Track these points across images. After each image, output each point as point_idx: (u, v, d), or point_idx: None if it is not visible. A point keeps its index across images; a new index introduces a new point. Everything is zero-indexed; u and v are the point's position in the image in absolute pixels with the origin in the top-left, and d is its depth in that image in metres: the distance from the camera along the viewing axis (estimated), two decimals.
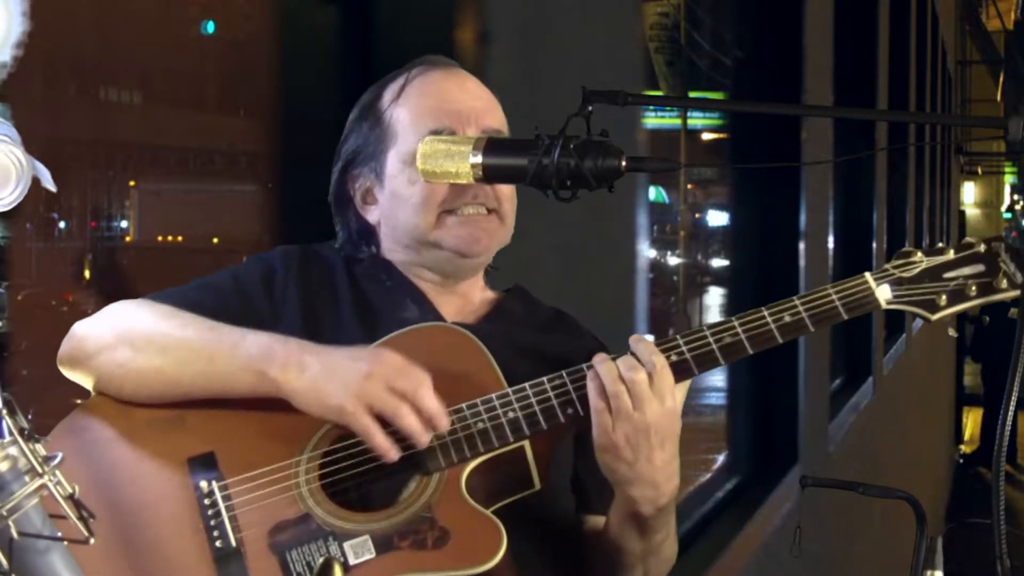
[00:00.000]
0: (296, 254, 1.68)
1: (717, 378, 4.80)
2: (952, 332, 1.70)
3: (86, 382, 1.55)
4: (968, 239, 1.57)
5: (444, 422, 1.44)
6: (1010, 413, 1.40)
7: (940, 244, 1.56)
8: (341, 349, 1.46)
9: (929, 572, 2.40)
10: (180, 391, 1.49)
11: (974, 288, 1.54)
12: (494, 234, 1.67)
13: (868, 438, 6.78)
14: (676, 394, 1.50)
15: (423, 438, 1.43)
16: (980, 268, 1.54)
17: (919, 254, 1.56)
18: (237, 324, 1.52)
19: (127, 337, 1.52)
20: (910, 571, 2.43)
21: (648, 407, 1.46)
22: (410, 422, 1.42)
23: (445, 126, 1.63)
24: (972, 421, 15.24)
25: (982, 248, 1.55)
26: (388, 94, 1.70)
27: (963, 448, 14.41)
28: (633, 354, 1.49)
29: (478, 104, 1.68)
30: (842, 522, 5.53)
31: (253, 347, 1.46)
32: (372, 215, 1.71)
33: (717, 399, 4.93)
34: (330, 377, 1.43)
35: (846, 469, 5.56)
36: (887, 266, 1.56)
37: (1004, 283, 1.53)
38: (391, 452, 1.43)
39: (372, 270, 1.68)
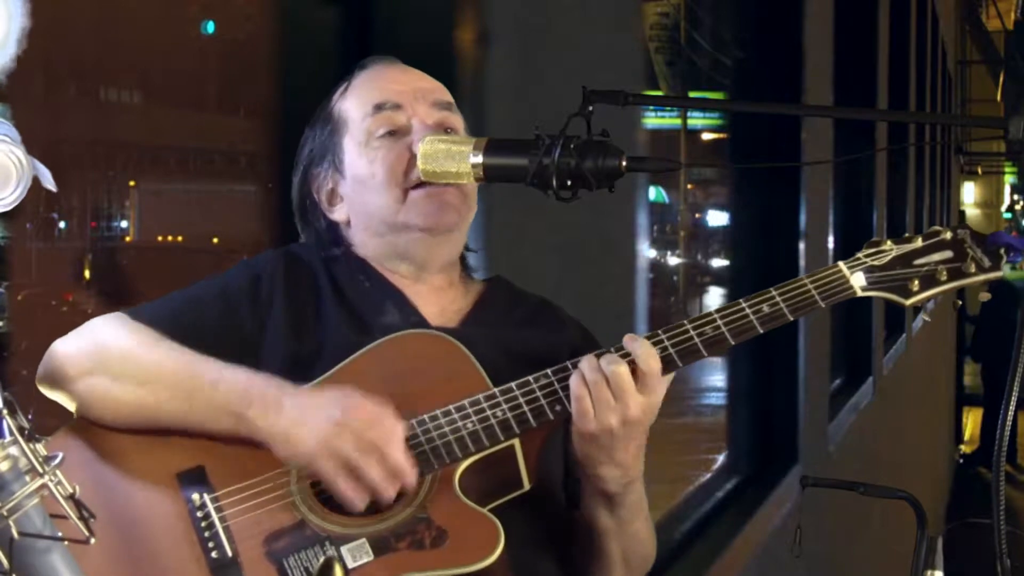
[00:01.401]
0: (281, 258, 1.67)
1: (717, 378, 4.80)
2: (925, 317, 1.75)
3: (66, 404, 1.53)
4: (935, 227, 1.60)
5: (411, 479, 1.44)
6: (1010, 413, 1.40)
7: (907, 234, 1.59)
8: (317, 391, 1.46)
9: (929, 572, 2.40)
10: (159, 425, 1.49)
11: (945, 273, 1.56)
12: (460, 208, 1.65)
13: (868, 438, 6.78)
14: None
15: (388, 493, 1.43)
16: (948, 254, 1.57)
17: (888, 243, 1.59)
18: (219, 337, 1.52)
19: (106, 364, 1.51)
20: (910, 571, 2.44)
21: (632, 400, 1.47)
22: (374, 476, 1.42)
23: (388, 99, 1.65)
24: (972, 421, 15.23)
25: (948, 235, 1.58)
26: (336, 95, 1.73)
27: (963, 448, 14.40)
28: (624, 351, 1.50)
29: (423, 84, 1.70)
30: (842, 522, 5.53)
31: (232, 389, 1.46)
32: (339, 213, 1.70)
33: (717, 399, 4.93)
34: (302, 423, 1.43)
35: (846, 469, 5.55)
36: (858, 255, 1.58)
37: (973, 267, 1.56)
38: (356, 503, 1.43)
39: (349, 270, 1.67)
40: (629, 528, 1.61)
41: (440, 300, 1.69)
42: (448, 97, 1.71)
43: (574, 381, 1.48)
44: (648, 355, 1.49)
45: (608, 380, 1.47)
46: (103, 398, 1.50)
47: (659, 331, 1.52)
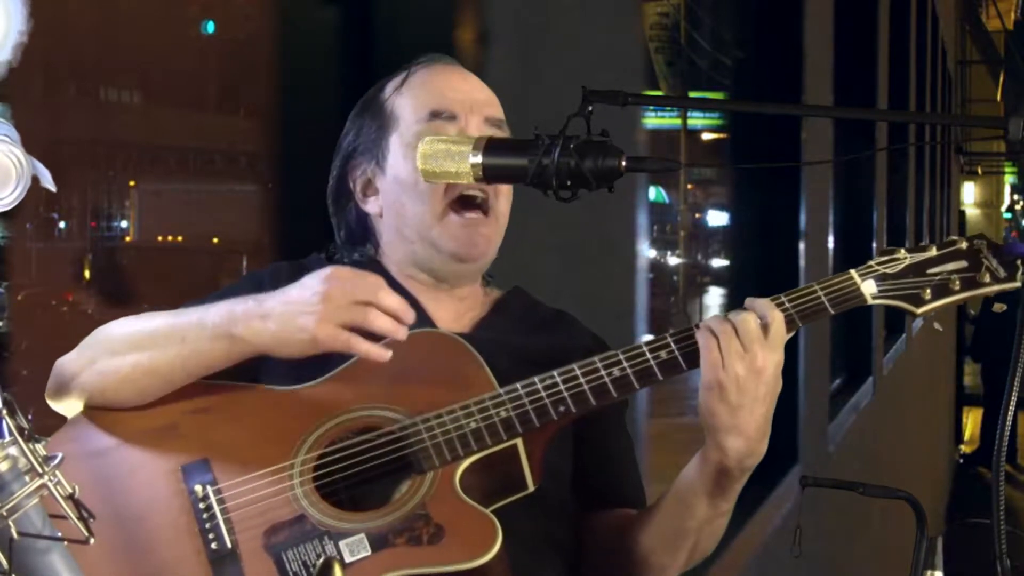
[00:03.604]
0: (286, 269, 1.68)
1: None
2: (938, 326, 1.74)
3: (75, 407, 1.55)
4: (951, 237, 1.60)
5: (410, 315, 1.47)
6: (1010, 413, 1.40)
7: (923, 243, 1.59)
8: (292, 286, 1.48)
9: (929, 572, 2.40)
10: (162, 380, 1.51)
11: (958, 283, 1.56)
12: (491, 238, 1.67)
13: (868, 438, 6.78)
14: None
15: (399, 332, 1.45)
16: (963, 264, 1.57)
17: (902, 251, 1.58)
18: None
19: (104, 347, 1.54)
20: (910, 571, 2.43)
21: (759, 349, 1.48)
22: (382, 323, 1.44)
23: (446, 109, 1.65)
24: (972, 421, 15.24)
25: (964, 245, 1.57)
26: (390, 87, 1.72)
27: (963, 448, 14.41)
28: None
29: (480, 96, 1.70)
30: (842, 522, 5.53)
31: (215, 316, 1.49)
32: (372, 206, 1.71)
33: None
34: (293, 314, 1.45)
35: (846, 469, 5.56)
36: (871, 262, 1.58)
37: (987, 277, 1.56)
38: (382, 353, 1.45)
39: None
40: (719, 520, 1.64)
41: (456, 308, 1.71)
42: (500, 113, 1.70)
43: (701, 335, 1.50)
44: (768, 305, 1.51)
45: (736, 329, 1.48)
46: (106, 374, 1.52)
47: (667, 335, 1.53)
